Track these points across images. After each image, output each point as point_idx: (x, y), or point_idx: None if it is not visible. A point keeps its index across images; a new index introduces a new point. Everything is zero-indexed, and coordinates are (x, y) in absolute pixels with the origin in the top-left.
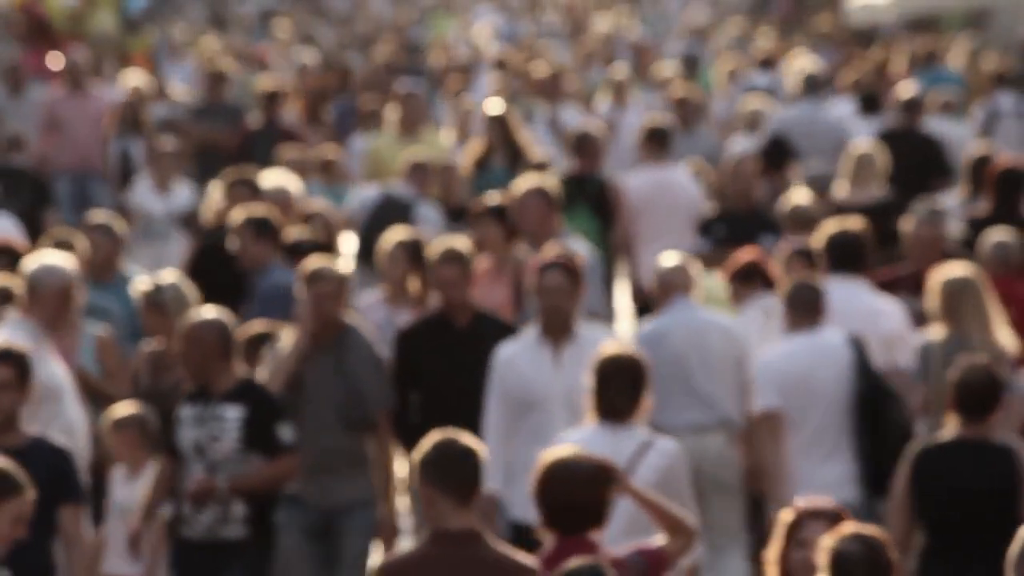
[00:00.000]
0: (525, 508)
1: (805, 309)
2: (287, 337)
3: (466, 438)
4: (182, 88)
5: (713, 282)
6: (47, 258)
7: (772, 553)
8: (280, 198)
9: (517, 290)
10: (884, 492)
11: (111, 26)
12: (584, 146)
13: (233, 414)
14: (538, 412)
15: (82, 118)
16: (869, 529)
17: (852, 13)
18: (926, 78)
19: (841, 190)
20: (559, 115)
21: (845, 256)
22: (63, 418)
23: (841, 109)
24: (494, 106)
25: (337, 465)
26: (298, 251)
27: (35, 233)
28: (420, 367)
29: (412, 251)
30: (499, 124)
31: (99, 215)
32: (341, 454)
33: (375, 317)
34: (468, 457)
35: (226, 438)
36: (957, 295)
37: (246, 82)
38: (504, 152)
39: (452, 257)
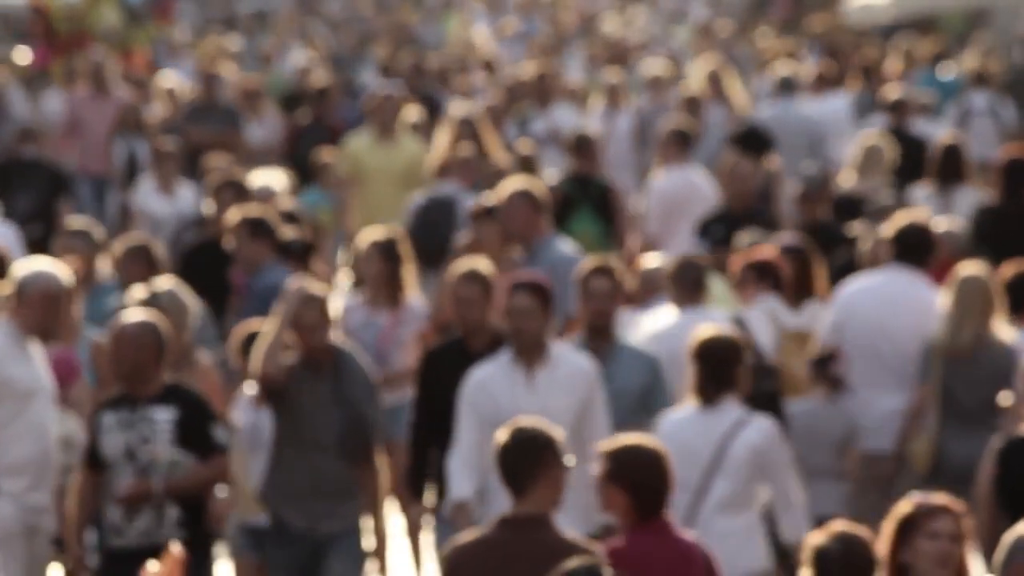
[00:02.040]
0: None
1: (690, 286)
2: (268, 327)
3: (539, 425)
4: (180, 88)
5: (713, 284)
6: (39, 264)
7: (886, 547)
8: (265, 197)
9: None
10: None
11: (115, 21)
12: (583, 147)
13: (164, 416)
14: None
15: (103, 120)
16: (857, 528)
17: (851, 13)
18: (923, 80)
19: (847, 180)
20: (553, 117)
21: (910, 247)
22: (29, 419)
23: (835, 105)
24: (461, 110)
25: (328, 491)
26: (289, 251)
27: (50, 225)
28: (439, 393)
29: (386, 251)
30: (468, 129)
31: (78, 220)
32: (334, 481)
33: (354, 320)
34: (520, 448)
35: (158, 440)
36: (963, 294)
37: (271, 82)
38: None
39: (472, 277)
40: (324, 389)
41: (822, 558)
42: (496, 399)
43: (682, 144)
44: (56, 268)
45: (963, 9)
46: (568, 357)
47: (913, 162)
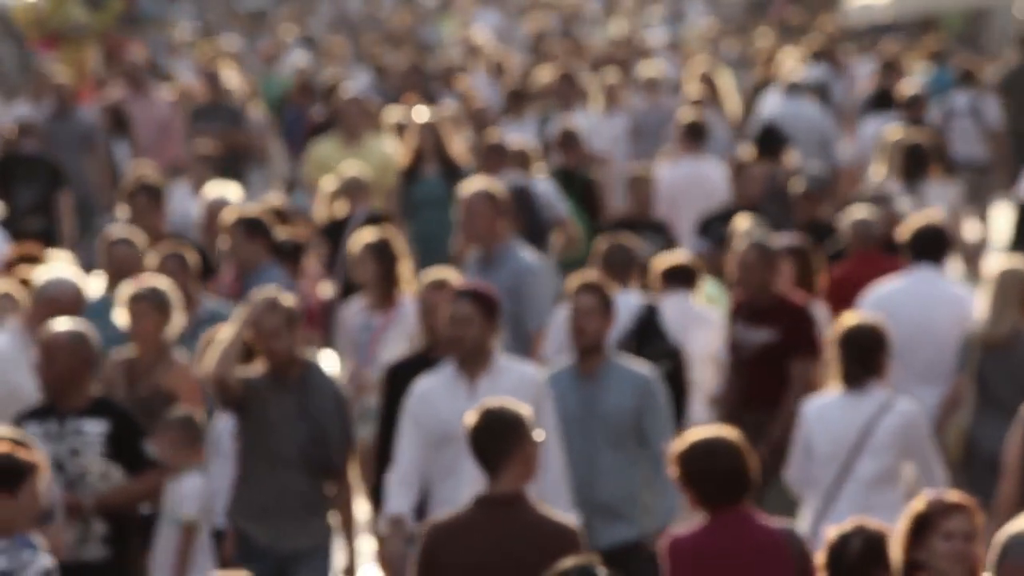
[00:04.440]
0: None
1: (617, 269)
2: (226, 331)
3: (506, 405)
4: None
5: (710, 285)
6: (58, 271)
7: (900, 545)
8: (220, 208)
9: None
10: None
11: (81, 15)
12: (568, 141)
13: (95, 428)
14: (451, 447)
15: (145, 120)
16: (873, 523)
17: (852, 13)
18: (931, 77)
19: (878, 177)
20: (573, 119)
21: (927, 246)
22: None
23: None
24: (423, 114)
25: (294, 507)
26: (282, 251)
27: (50, 218)
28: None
29: (379, 252)
30: (430, 132)
31: (120, 228)
32: (299, 496)
33: (356, 324)
34: (489, 428)
35: (89, 452)
36: (1002, 286)
37: (269, 81)
38: (435, 161)
39: (438, 286)
40: (289, 402)
41: (841, 552)
42: (437, 411)
43: (694, 136)
44: (74, 275)
45: (963, 9)
46: (513, 367)
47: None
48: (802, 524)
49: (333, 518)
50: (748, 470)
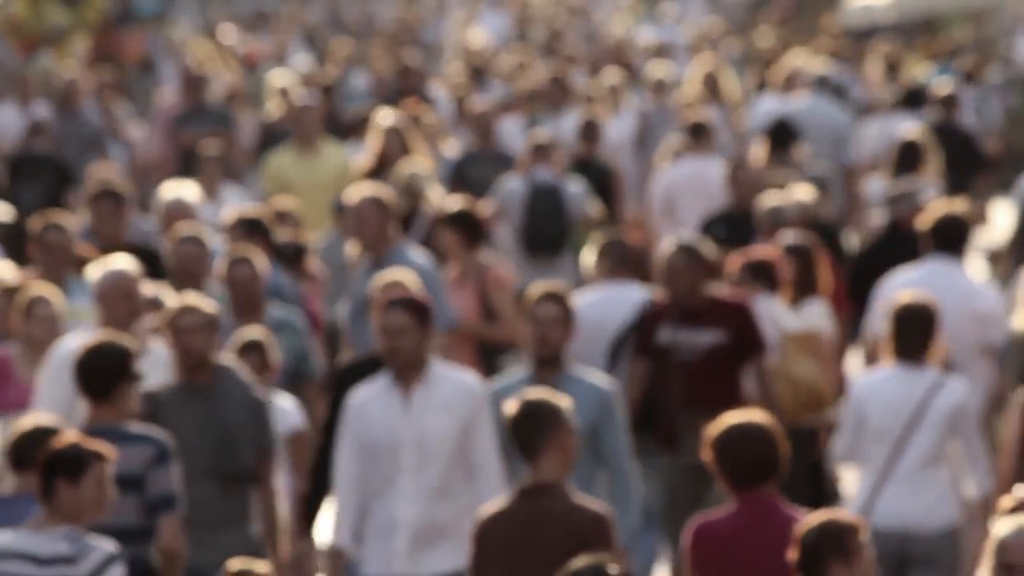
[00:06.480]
0: (378, 565)
1: (614, 262)
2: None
3: (545, 395)
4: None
5: None
6: (110, 263)
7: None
8: (177, 209)
9: (481, 297)
10: None
11: (59, 17)
12: (587, 131)
13: None
14: (386, 461)
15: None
16: (841, 514)
17: (852, 13)
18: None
19: (883, 179)
20: (562, 122)
21: (947, 237)
22: None
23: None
24: (388, 117)
25: (210, 519)
26: (283, 253)
27: None
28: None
29: None
30: (395, 136)
31: (187, 226)
32: (214, 508)
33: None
34: (526, 419)
35: None
36: None
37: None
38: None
39: (393, 287)
40: (198, 412)
41: (804, 544)
42: (372, 423)
43: (698, 135)
44: (126, 263)
45: (963, 9)
46: (450, 376)
47: (964, 156)
48: (854, 501)
49: (256, 527)
50: (778, 455)
